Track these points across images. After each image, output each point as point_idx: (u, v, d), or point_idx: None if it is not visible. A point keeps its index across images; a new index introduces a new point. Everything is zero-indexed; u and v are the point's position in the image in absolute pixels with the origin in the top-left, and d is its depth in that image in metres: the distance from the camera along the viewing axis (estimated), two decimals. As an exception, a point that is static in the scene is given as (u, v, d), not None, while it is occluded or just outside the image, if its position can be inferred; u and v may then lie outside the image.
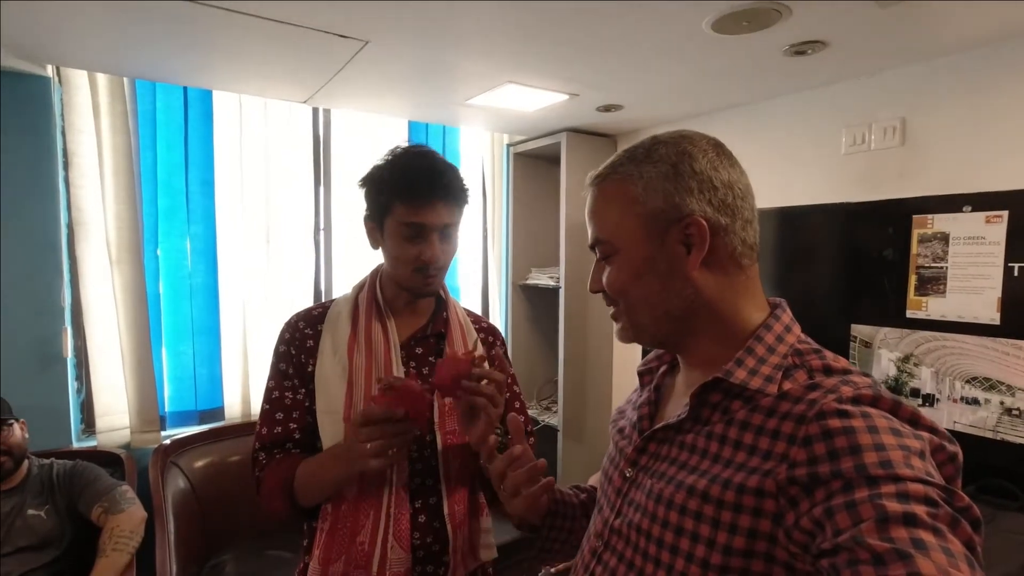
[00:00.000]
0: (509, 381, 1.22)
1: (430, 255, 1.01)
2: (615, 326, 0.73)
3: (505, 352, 1.25)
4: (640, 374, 0.84)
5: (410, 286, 1.06)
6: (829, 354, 0.64)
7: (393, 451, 0.91)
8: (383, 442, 0.89)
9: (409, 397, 0.90)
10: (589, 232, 0.72)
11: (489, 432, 0.91)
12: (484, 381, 0.93)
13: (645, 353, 0.84)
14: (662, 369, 0.80)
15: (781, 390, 0.60)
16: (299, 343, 1.08)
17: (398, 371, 1.06)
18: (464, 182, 1.06)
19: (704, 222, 0.64)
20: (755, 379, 0.62)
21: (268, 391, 1.08)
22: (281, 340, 1.10)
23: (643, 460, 0.70)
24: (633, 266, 0.68)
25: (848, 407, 0.54)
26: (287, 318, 1.14)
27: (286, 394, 1.06)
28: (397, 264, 1.04)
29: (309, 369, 1.07)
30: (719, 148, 0.68)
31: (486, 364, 0.96)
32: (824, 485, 0.52)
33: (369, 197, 1.06)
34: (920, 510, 0.46)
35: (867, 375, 0.61)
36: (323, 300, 1.14)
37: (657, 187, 0.65)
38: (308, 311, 1.13)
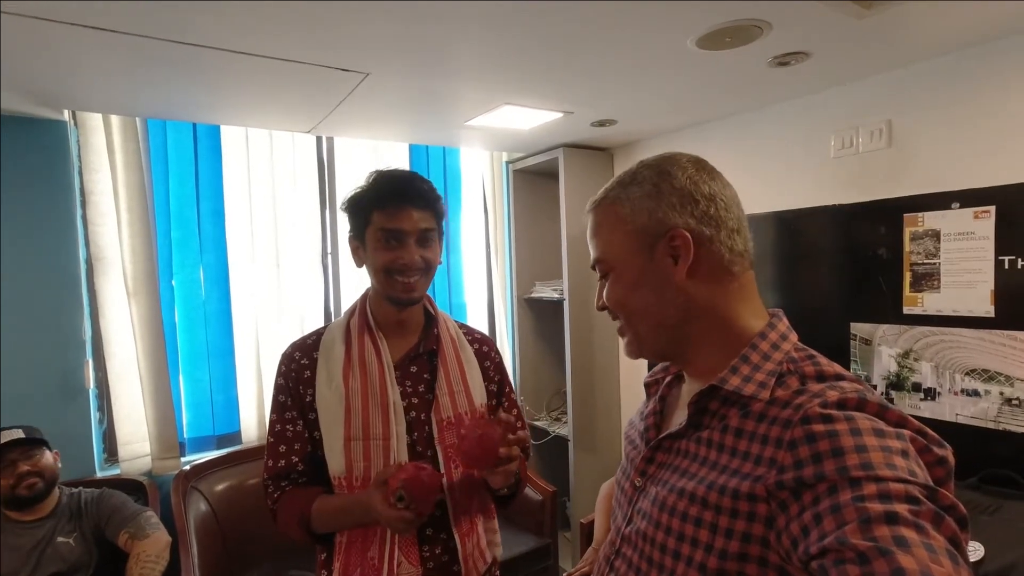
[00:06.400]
0: (507, 390, 1.27)
1: (408, 258, 1.06)
2: (622, 341, 0.77)
3: (500, 360, 1.28)
4: (647, 385, 0.87)
5: (392, 294, 1.09)
6: (823, 360, 0.66)
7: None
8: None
9: (421, 495, 0.94)
10: (590, 254, 0.77)
11: (507, 480, 1.02)
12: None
13: (651, 361, 0.88)
14: (667, 380, 0.83)
15: (773, 396, 0.62)
16: (295, 374, 1.11)
17: (393, 392, 1.08)
18: (437, 191, 1.11)
19: (687, 233, 0.67)
20: (749, 385, 0.64)
21: (271, 424, 1.11)
22: (279, 372, 1.13)
23: (651, 469, 0.73)
24: (627, 280, 0.72)
25: (832, 411, 0.56)
26: (291, 343, 1.18)
27: (287, 427, 1.10)
28: (378, 273, 1.08)
29: (308, 399, 1.09)
30: (699, 164, 0.71)
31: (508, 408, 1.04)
32: (810, 488, 0.53)
33: (350, 217, 1.12)
34: (902, 508, 0.48)
35: (858, 380, 0.63)
36: (333, 320, 1.19)
37: (641, 206, 0.70)
38: (303, 340, 1.16)
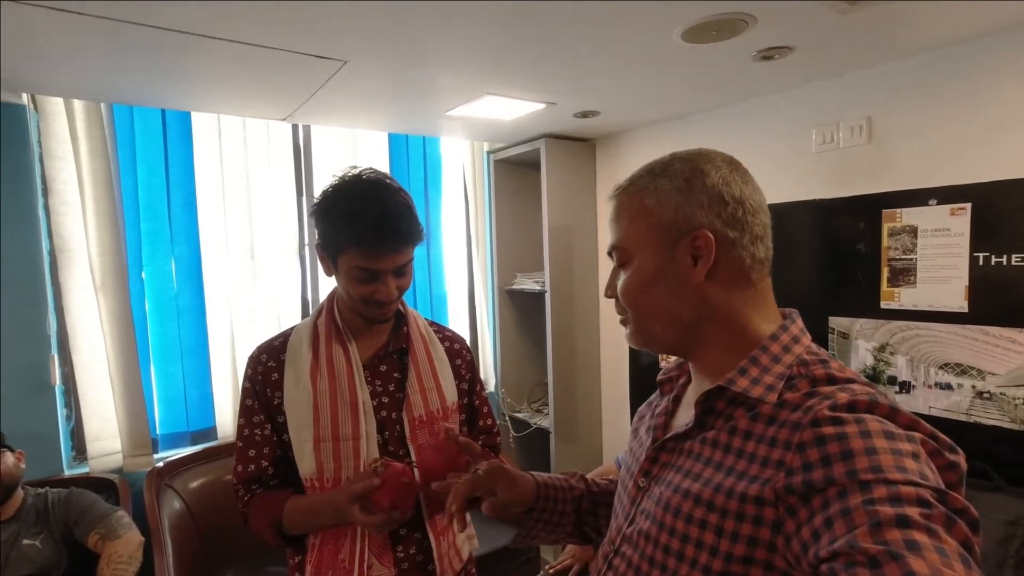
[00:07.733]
0: (478, 388, 1.26)
1: (385, 294, 1.03)
2: (625, 331, 0.76)
3: (472, 358, 1.27)
4: (660, 382, 0.86)
5: (365, 316, 1.09)
6: (835, 364, 0.65)
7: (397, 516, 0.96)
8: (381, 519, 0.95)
9: (397, 490, 0.94)
10: (608, 239, 0.75)
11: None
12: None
13: (637, 354, 0.86)
14: (682, 380, 0.81)
15: (782, 398, 0.61)
16: (263, 377, 1.09)
17: (362, 392, 1.07)
18: (418, 222, 1.05)
19: (711, 235, 0.66)
20: (757, 388, 0.63)
21: (239, 428, 1.09)
22: (245, 376, 1.11)
23: (655, 470, 0.72)
24: (645, 273, 0.70)
25: (842, 414, 0.55)
26: (273, 334, 1.16)
27: (255, 431, 1.08)
28: (351, 299, 1.06)
29: (276, 402, 1.08)
30: (734, 165, 0.70)
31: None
32: (820, 493, 0.53)
33: (320, 230, 1.06)
34: (913, 512, 0.47)
35: (870, 384, 0.62)
36: (311, 313, 1.16)
37: (669, 200, 0.68)
38: (270, 343, 1.14)
